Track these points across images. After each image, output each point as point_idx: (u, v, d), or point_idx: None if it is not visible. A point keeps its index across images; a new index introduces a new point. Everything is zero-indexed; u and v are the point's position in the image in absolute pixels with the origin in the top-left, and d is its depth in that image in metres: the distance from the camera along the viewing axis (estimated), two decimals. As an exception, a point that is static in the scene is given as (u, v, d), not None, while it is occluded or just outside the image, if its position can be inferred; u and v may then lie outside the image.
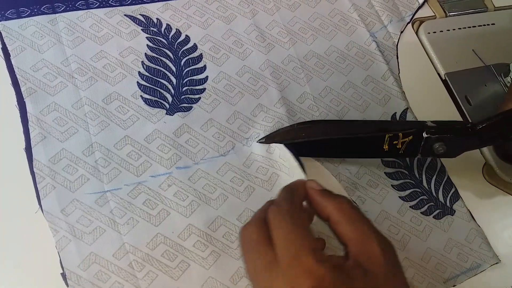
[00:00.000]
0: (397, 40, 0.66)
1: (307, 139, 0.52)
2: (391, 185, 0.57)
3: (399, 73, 0.63)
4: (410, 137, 0.48)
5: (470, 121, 0.58)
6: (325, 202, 0.41)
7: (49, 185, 0.48)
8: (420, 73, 0.65)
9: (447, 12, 0.71)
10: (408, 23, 0.68)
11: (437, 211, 0.57)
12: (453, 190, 0.58)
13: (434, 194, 0.58)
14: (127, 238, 0.48)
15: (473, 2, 0.73)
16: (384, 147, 0.49)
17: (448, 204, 0.58)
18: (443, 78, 0.66)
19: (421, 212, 0.56)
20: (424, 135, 0.48)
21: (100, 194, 0.49)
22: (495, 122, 0.47)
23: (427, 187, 0.58)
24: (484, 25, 0.71)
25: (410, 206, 0.56)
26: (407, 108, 0.62)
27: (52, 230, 0.47)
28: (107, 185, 0.50)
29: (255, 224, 0.39)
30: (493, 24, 0.71)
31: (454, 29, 0.69)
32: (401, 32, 0.67)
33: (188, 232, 0.50)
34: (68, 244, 0.47)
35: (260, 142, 0.54)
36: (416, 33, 0.68)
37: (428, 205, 0.57)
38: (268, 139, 0.54)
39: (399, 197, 0.57)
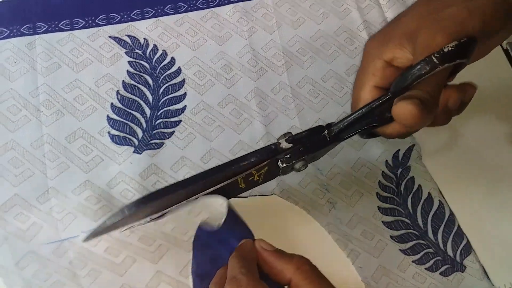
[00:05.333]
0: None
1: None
2: (390, 236, 0.44)
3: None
4: (266, 168, 0.38)
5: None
6: (282, 265, 0.32)
7: (0, 235, 0.40)
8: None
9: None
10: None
11: (445, 267, 0.44)
12: (464, 242, 0.45)
13: (441, 247, 0.45)
14: None
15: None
16: (240, 186, 0.39)
17: (458, 259, 0.44)
18: (505, 48, 0.55)
19: (425, 268, 0.43)
20: (280, 165, 0.37)
21: (57, 243, 0.40)
22: (351, 122, 0.37)
23: (433, 239, 0.45)
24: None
25: (412, 261, 0.44)
26: (413, 145, 0.49)
27: (7, 286, 0.38)
28: (63, 232, 0.41)
29: None
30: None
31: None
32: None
33: (157, 280, 0.40)
34: None
35: (85, 241, 0.39)
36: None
37: (434, 259, 0.44)
38: (94, 235, 0.38)
39: (400, 250, 0.44)
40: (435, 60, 0.33)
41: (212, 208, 0.37)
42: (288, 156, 0.37)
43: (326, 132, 0.38)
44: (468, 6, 0.34)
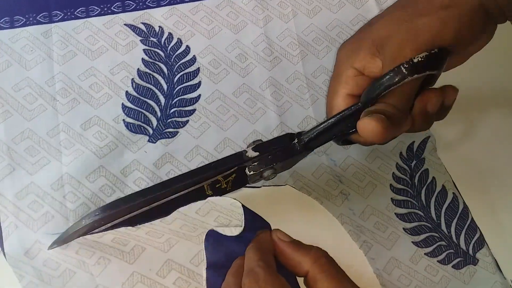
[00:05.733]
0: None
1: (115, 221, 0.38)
2: (403, 229, 0.44)
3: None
4: (234, 175, 0.37)
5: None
6: (300, 257, 0.32)
7: (12, 224, 0.40)
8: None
9: None
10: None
11: (457, 259, 0.44)
12: (477, 235, 0.45)
13: (454, 239, 0.44)
14: (100, 280, 0.39)
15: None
16: (207, 193, 0.38)
17: (470, 252, 0.44)
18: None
19: (438, 261, 0.43)
20: (248, 172, 0.37)
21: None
22: (322, 131, 0.37)
23: (446, 232, 0.45)
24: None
25: (425, 253, 0.44)
26: (428, 137, 0.48)
27: (17, 275, 0.38)
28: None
29: None
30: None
31: None
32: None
33: (168, 268, 0.40)
34: None
35: (52, 248, 0.39)
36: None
37: (446, 252, 0.44)
38: (61, 242, 0.38)
39: (412, 242, 0.44)
40: (404, 71, 0.32)
41: (222, 208, 0.37)
42: (256, 163, 0.37)
43: (296, 140, 0.37)
44: (442, 16, 0.33)
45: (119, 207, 0.37)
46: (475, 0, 0.33)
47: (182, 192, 0.37)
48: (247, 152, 0.37)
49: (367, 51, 0.35)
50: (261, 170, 0.37)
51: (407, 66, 0.32)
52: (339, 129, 0.37)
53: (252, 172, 0.37)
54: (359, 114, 0.34)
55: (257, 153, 0.37)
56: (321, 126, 0.36)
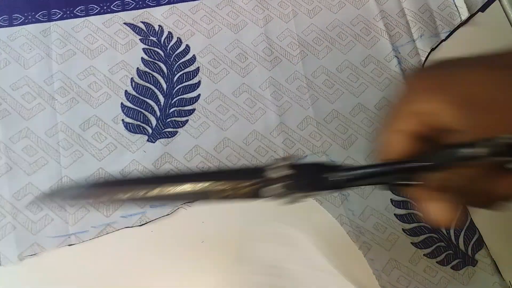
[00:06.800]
0: (424, 59, 0.50)
1: None
2: (403, 229, 0.44)
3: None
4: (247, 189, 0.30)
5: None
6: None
7: (9, 224, 0.40)
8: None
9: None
10: (443, 40, 0.52)
11: (456, 261, 0.43)
12: (476, 236, 0.44)
13: (453, 241, 0.44)
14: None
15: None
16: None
17: (469, 253, 0.44)
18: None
19: (437, 262, 0.43)
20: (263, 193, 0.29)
21: (64, 237, 0.40)
22: (365, 176, 0.29)
23: (445, 233, 0.44)
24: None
25: (424, 254, 0.43)
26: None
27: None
28: (73, 227, 0.40)
29: None
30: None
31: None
32: (432, 49, 0.51)
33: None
34: None
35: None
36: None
37: (445, 253, 0.44)
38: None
39: (412, 243, 0.44)
40: (487, 150, 0.25)
41: None
42: (275, 185, 0.29)
43: (327, 175, 0.29)
44: None
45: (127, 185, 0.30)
46: None
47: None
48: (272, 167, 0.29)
49: (448, 99, 0.27)
50: (279, 193, 0.29)
51: (494, 144, 0.25)
52: (388, 178, 0.29)
53: (268, 195, 0.29)
54: (419, 170, 0.27)
55: (283, 174, 0.29)
56: (364, 170, 0.28)
